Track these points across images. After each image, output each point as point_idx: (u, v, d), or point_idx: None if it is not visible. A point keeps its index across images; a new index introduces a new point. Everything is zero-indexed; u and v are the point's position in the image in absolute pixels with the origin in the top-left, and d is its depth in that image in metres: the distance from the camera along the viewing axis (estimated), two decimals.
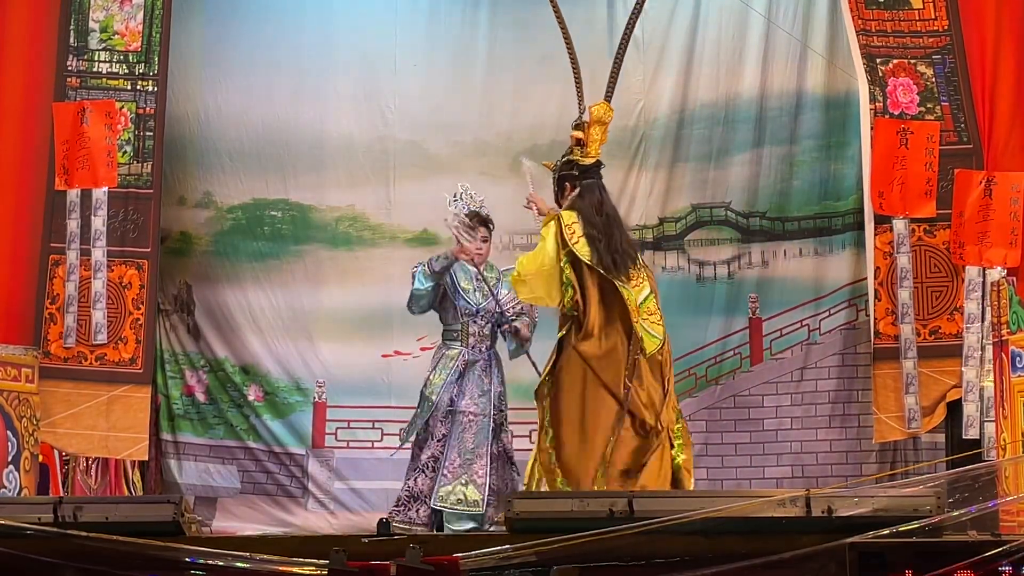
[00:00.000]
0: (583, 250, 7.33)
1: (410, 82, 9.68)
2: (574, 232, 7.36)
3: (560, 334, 7.44)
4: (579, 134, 7.54)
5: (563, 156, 7.65)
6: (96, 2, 8.69)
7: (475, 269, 8.31)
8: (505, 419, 8.30)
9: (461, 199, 8.35)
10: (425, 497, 8.09)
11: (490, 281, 8.33)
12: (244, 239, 9.61)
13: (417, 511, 8.10)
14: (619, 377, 7.30)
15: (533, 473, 7.47)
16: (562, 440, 7.34)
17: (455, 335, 8.30)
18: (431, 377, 8.26)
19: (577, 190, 7.52)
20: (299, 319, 9.50)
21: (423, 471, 8.14)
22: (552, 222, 7.42)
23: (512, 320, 8.33)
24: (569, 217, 7.40)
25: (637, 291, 7.40)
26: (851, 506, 5.72)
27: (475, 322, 8.28)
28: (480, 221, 8.32)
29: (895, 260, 8.52)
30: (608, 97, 7.65)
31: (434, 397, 8.18)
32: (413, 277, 8.30)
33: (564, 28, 7.89)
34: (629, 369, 7.28)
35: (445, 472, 8.10)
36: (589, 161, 7.54)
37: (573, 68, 7.75)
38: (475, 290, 8.33)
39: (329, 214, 9.66)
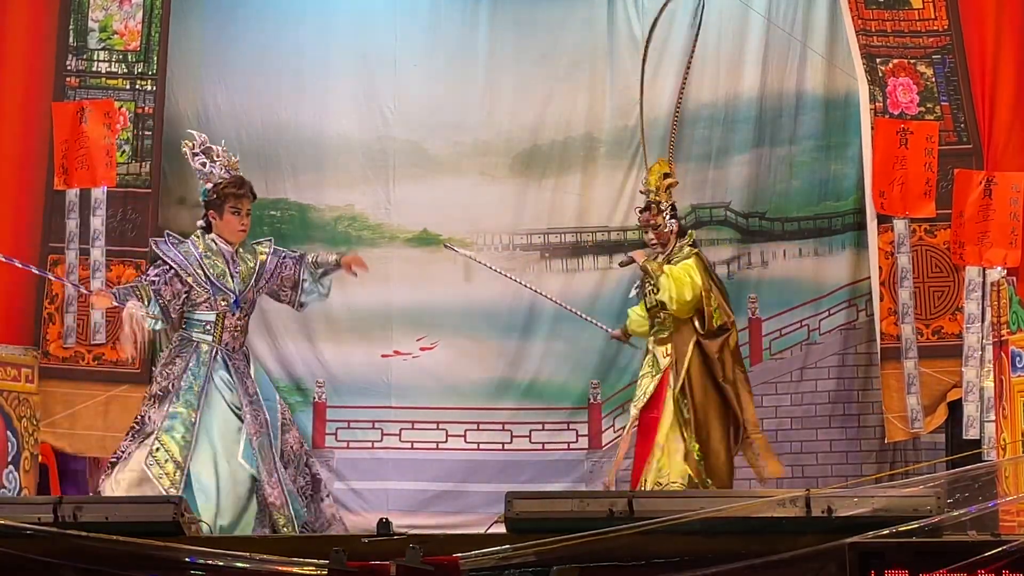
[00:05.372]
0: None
1: (410, 82, 9.66)
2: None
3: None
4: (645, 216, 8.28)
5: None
6: (95, 2, 8.69)
7: (230, 249, 7.30)
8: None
9: (218, 158, 7.32)
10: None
11: (248, 263, 7.35)
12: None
13: None
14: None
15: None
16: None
17: (206, 327, 7.24)
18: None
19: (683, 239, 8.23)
20: (299, 319, 9.46)
21: None
22: (694, 258, 8.07)
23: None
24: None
25: None
26: (851, 506, 5.72)
27: (232, 314, 7.24)
28: (248, 190, 7.21)
29: (896, 260, 8.52)
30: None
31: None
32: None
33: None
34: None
35: None
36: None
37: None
38: (232, 275, 7.30)
39: (329, 214, 9.64)
